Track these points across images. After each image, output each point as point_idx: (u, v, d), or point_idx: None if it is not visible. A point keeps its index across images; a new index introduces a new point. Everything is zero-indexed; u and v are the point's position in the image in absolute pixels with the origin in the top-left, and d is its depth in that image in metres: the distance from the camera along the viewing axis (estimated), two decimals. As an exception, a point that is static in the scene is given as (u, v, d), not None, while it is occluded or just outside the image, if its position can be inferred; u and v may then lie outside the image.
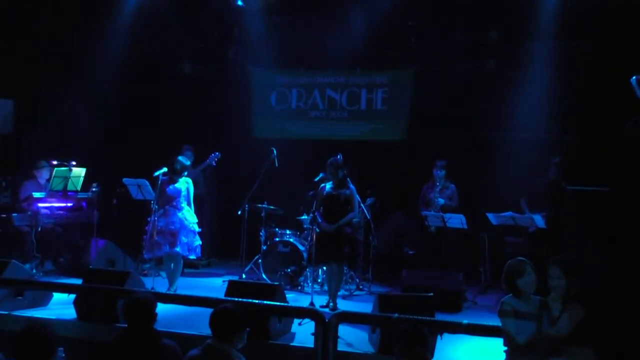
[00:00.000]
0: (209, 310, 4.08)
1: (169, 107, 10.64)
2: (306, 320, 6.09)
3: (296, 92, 10.71)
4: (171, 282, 7.56)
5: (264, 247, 8.46)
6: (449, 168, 8.37)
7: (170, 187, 7.52)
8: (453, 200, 8.29)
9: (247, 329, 3.97)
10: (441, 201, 8.23)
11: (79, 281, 6.62)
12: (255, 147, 9.88)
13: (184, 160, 7.71)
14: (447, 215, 7.94)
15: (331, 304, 7.08)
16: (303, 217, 8.57)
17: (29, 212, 8.44)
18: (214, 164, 8.91)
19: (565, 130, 9.04)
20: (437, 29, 9.87)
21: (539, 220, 7.53)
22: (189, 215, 7.57)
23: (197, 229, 7.61)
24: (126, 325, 4.00)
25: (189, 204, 7.61)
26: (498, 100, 9.32)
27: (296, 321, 6.17)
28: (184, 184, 7.60)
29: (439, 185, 8.32)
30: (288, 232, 8.64)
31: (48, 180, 8.67)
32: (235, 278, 8.27)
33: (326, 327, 4.43)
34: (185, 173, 7.68)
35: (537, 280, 4.29)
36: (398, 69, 10.34)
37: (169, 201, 7.50)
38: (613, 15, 8.46)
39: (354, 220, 7.37)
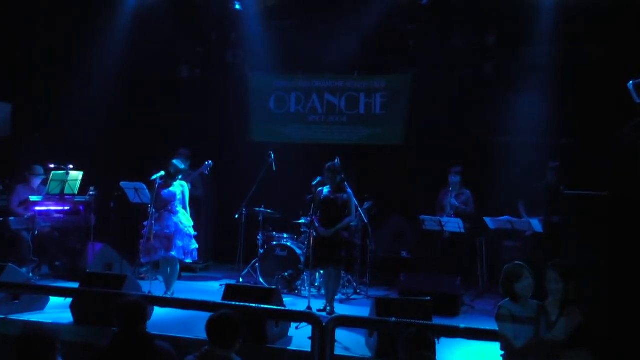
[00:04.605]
0: (206, 314, 4.07)
1: (167, 111, 10.63)
2: (303, 324, 6.08)
3: (295, 97, 10.72)
4: (168, 286, 7.54)
5: (261, 251, 8.45)
6: (463, 174, 8.38)
7: (165, 190, 7.51)
8: (469, 206, 8.29)
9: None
10: (454, 202, 8.23)
11: (75, 285, 6.60)
12: (253, 151, 9.87)
13: (178, 163, 7.70)
14: (444, 219, 7.95)
15: (328, 307, 7.08)
16: (301, 221, 8.57)
17: (26, 216, 8.43)
18: (207, 172, 8.89)
19: (563, 134, 9.05)
20: (435, 34, 9.89)
21: (536, 224, 7.54)
22: (184, 218, 7.56)
23: (192, 232, 7.60)
24: (119, 329, 3.99)
25: (184, 208, 7.61)
26: (496, 104, 9.34)
27: (293, 325, 6.16)
28: (179, 187, 7.59)
29: (454, 191, 8.33)
30: (285, 235, 8.64)
31: (42, 184, 8.67)
32: (233, 282, 8.27)
33: (323, 331, 4.41)
34: (180, 176, 7.68)
35: (535, 285, 4.29)
36: (396, 73, 10.35)
37: (165, 205, 7.49)
38: (610, 20, 8.49)
39: (352, 224, 7.38)
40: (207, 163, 8.81)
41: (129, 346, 3.90)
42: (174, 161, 7.70)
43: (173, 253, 7.39)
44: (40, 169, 8.77)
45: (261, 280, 8.26)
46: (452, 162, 8.56)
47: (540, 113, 8.98)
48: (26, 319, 6.25)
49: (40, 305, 6.69)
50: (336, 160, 7.34)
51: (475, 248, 8.41)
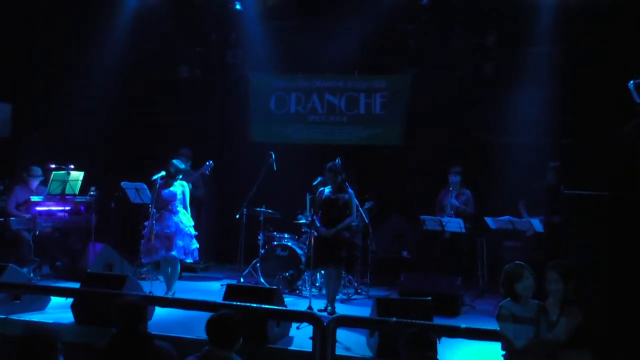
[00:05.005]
0: (207, 314, 4.07)
1: (167, 111, 10.63)
2: (304, 324, 6.08)
3: (295, 97, 10.72)
4: (169, 286, 7.55)
5: (262, 251, 8.46)
6: (463, 174, 8.39)
7: (166, 190, 7.52)
8: (469, 206, 8.30)
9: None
10: (455, 202, 8.23)
11: (76, 285, 6.61)
12: (253, 151, 9.88)
13: (178, 163, 7.70)
14: (445, 219, 7.96)
15: (329, 307, 7.08)
16: (301, 221, 8.58)
17: (27, 216, 8.43)
18: (208, 172, 8.90)
19: (563, 134, 9.05)
20: (435, 34, 9.90)
21: (537, 224, 7.54)
22: (184, 218, 7.56)
23: (193, 232, 7.60)
24: (117, 330, 4.00)
25: (184, 207, 7.61)
26: (496, 104, 9.34)
27: (294, 325, 6.17)
28: (179, 187, 7.60)
29: (454, 191, 8.33)
30: (286, 235, 8.65)
31: (41, 184, 8.68)
32: (234, 282, 8.27)
33: (324, 331, 4.41)
34: (180, 176, 7.68)
35: (535, 285, 4.29)
36: (396, 73, 10.36)
37: (165, 205, 7.50)
38: (610, 20, 8.49)
39: (352, 224, 7.38)
40: (208, 163, 8.83)
41: (128, 346, 3.91)
42: (174, 161, 7.70)
43: (174, 253, 7.40)
44: (38, 170, 8.76)
45: (262, 280, 8.26)
46: (452, 162, 8.57)
47: (540, 113, 8.98)
48: (27, 319, 6.26)
49: (41, 306, 6.69)
50: (337, 161, 7.36)
51: (476, 248, 8.41)
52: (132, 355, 3.91)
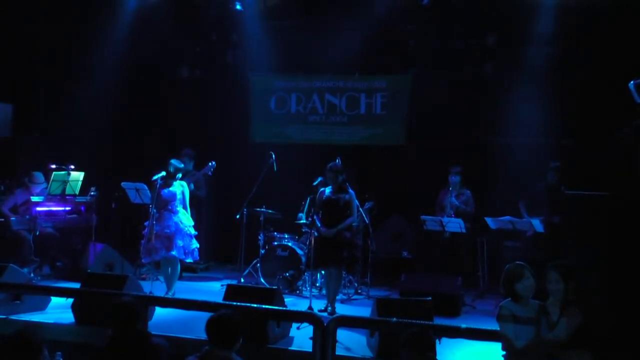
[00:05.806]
0: (207, 314, 4.08)
1: (168, 111, 10.64)
2: (304, 324, 6.09)
3: (295, 97, 10.72)
4: (169, 286, 7.55)
5: (263, 251, 8.46)
6: (463, 174, 8.39)
7: (165, 190, 7.52)
8: (469, 206, 8.30)
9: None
10: (455, 201, 8.24)
11: (77, 285, 6.61)
12: (253, 151, 9.88)
13: (177, 163, 7.69)
14: (445, 219, 7.96)
15: (329, 308, 7.08)
16: (302, 221, 8.58)
17: (27, 216, 8.43)
18: (210, 173, 8.90)
19: (563, 134, 9.05)
20: (435, 34, 9.90)
21: (537, 224, 7.55)
22: (184, 218, 7.56)
23: (193, 232, 7.60)
24: (113, 330, 4.01)
25: (184, 207, 7.61)
26: (496, 104, 9.34)
27: (294, 325, 6.17)
28: (179, 187, 7.60)
29: (454, 191, 8.34)
30: (286, 236, 8.65)
31: (45, 188, 8.68)
32: (234, 282, 8.28)
33: (324, 331, 4.41)
34: (180, 176, 7.68)
35: (536, 285, 4.30)
36: (396, 73, 10.36)
37: (165, 205, 7.50)
38: (610, 21, 8.50)
39: (353, 224, 7.38)
40: (210, 164, 8.81)
41: (127, 345, 3.93)
42: (172, 161, 7.69)
43: (173, 253, 7.40)
44: (40, 177, 8.72)
45: (262, 280, 8.26)
46: (452, 162, 8.57)
47: (541, 113, 8.98)
48: (27, 319, 6.26)
49: (42, 306, 6.69)
50: (337, 161, 7.37)
51: (476, 248, 8.41)
52: (132, 354, 3.92)
